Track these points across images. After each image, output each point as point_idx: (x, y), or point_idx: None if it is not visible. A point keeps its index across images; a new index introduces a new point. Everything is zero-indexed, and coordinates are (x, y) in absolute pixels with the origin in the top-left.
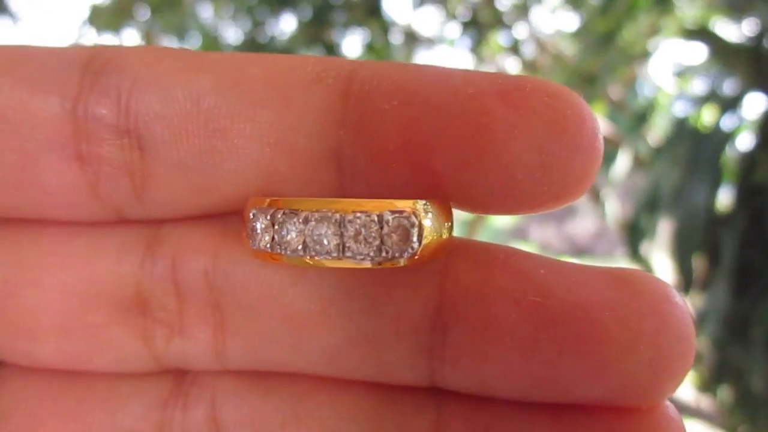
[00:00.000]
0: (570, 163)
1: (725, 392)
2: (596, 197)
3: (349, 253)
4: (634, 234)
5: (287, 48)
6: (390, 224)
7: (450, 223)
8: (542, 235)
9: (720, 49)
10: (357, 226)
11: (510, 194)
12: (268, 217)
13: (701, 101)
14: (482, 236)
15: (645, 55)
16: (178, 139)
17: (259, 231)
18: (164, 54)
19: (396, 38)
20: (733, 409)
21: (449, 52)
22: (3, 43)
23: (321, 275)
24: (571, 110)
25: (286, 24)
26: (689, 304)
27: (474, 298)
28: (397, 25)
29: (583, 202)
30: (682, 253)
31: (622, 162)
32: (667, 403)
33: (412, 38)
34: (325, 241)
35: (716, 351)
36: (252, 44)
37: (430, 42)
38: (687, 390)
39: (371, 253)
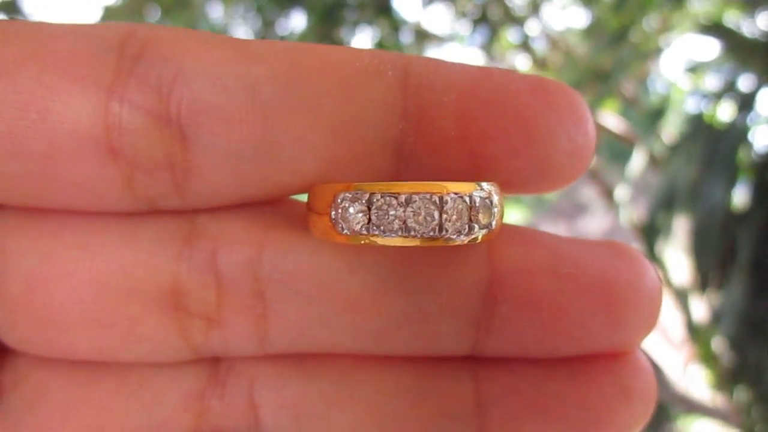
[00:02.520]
0: (585, 146)
1: (742, 391)
2: (609, 195)
3: (444, 232)
4: (650, 233)
5: None
6: (477, 204)
7: (503, 204)
8: (553, 232)
9: (734, 44)
10: (453, 206)
11: (548, 175)
12: (364, 201)
13: (716, 97)
14: None
15: (658, 51)
16: (231, 129)
17: (351, 215)
18: (208, 41)
19: (406, 36)
20: (749, 408)
21: (460, 49)
22: (26, 21)
23: (378, 258)
24: (581, 104)
25: (296, 22)
26: (706, 303)
27: (520, 272)
28: (408, 23)
29: (595, 199)
30: (698, 251)
31: (637, 160)
32: (638, 348)
33: (422, 36)
34: (428, 221)
35: (733, 350)
36: None
37: (440, 40)
38: (703, 389)
39: (464, 231)
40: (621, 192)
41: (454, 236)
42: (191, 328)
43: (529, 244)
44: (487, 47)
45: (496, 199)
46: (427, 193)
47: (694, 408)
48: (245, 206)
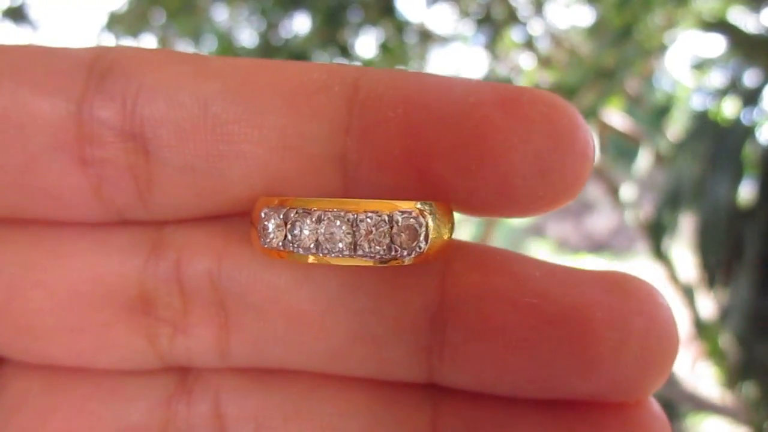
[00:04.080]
0: (564, 168)
1: (750, 388)
2: (615, 193)
3: (360, 252)
4: (656, 230)
5: (302, 49)
6: (399, 224)
7: (451, 225)
8: (560, 232)
9: (739, 41)
10: (368, 226)
11: (509, 198)
12: (281, 216)
13: (721, 94)
14: (498, 234)
15: (662, 48)
16: (185, 143)
17: (271, 229)
18: (170, 58)
19: (410, 37)
20: (758, 405)
21: (463, 49)
22: (4, 43)
23: (325, 276)
24: (566, 119)
25: (301, 25)
26: (712, 300)
27: (472, 299)
28: (411, 24)
29: (601, 198)
30: (704, 248)
31: (643, 157)
32: (651, 398)
33: (426, 37)
34: (339, 240)
35: (741, 347)
36: (267, 46)
37: (444, 40)
38: (711, 386)
39: (382, 252)
40: (627, 190)
41: (371, 256)
42: (158, 335)
43: (490, 269)
44: (491, 47)
45: (426, 220)
46: (342, 210)
47: (702, 406)
48: (210, 218)
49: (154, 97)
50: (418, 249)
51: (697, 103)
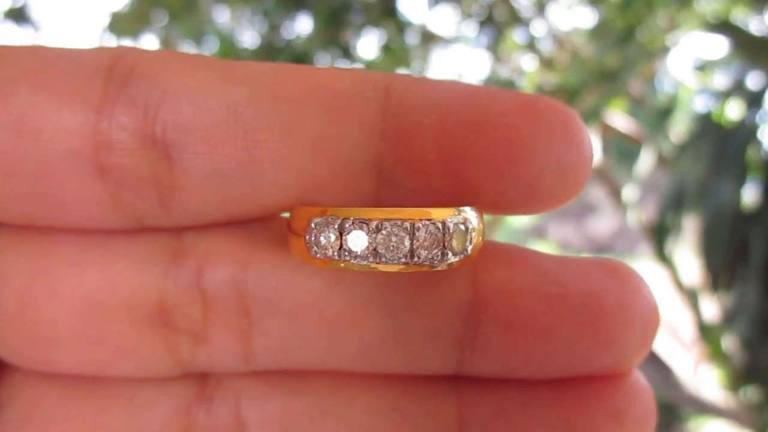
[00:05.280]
0: (577, 167)
1: (753, 392)
2: (617, 195)
3: (416, 259)
4: (659, 232)
5: (304, 50)
6: (451, 230)
7: (483, 227)
8: (561, 234)
9: (743, 42)
10: (425, 233)
11: (534, 197)
12: (336, 227)
13: (724, 96)
14: (501, 236)
15: (665, 50)
16: (214, 149)
17: (324, 240)
18: (193, 63)
19: (412, 38)
20: (761, 408)
21: (466, 51)
22: (18, 44)
23: (359, 279)
24: (575, 124)
25: (302, 26)
26: (715, 303)
27: (502, 293)
28: (413, 25)
29: (603, 199)
30: (708, 250)
31: (645, 159)
32: (636, 367)
33: (428, 38)
34: (398, 248)
35: (745, 350)
36: (269, 48)
37: (446, 41)
38: (714, 389)
39: (437, 258)
40: (629, 192)
41: (426, 263)
42: (178, 345)
43: (514, 265)
44: (493, 48)
45: (472, 224)
46: (399, 219)
47: (705, 409)
48: (232, 224)
49: (179, 103)
50: (465, 253)
51: (701, 104)
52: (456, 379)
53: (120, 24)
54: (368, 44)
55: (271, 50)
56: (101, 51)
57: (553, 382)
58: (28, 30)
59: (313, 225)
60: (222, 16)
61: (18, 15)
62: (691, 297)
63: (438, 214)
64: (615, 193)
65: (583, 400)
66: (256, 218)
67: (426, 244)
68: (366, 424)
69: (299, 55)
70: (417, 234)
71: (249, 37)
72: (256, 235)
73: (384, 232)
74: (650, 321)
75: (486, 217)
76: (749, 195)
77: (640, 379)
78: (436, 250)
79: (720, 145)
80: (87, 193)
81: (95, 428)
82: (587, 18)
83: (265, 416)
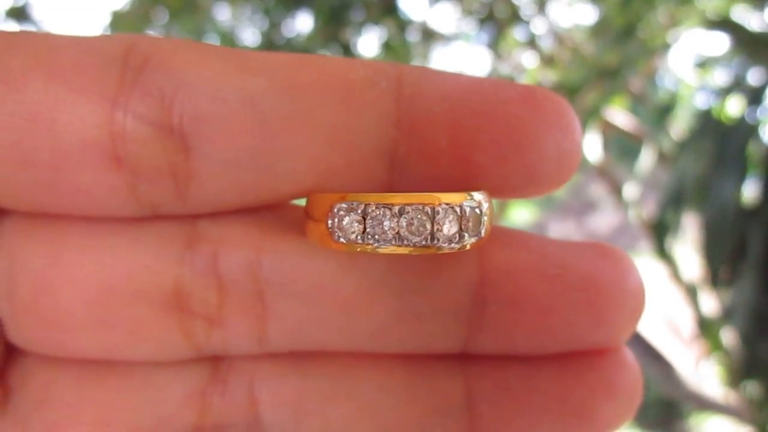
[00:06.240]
0: (571, 154)
1: (754, 387)
2: (618, 192)
3: (435, 241)
4: (659, 229)
5: (304, 48)
6: (467, 213)
7: (492, 211)
8: (562, 230)
9: (743, 39)
10: (444, 216)
11: (535, 181)
12: (359, 212)
13: (724, 92)
14: None
15: (665, 47)
16: (230, 138)
17: (347, 224)
18: (208, 52)
19: (413, 36)
20: (761, 404)
21: (466, 48)
22: (31, 30)
23: (371, 261)
24: (568, 112)
25: (303, 24)
26: (715, 299)
27: (508, 273)
28: (414, 23)
29: (604, 196)
30: (708, 247)
31: (646, 156)
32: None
33: (428, 35)
34: (420, 231)
35: (744, 346)
36: (269, 46)
37: (446, 39)
38: (715, 385)
39: (456, 240)
40: (630, 189)
41: (446, 245)
42: (193, 329)
43: (518, 247)
44: (494, 45)
45: (485, 207)
46: (420, 204)
47: (706, 405)
48: (245, 211)
49: (194, 93)
50: (480, 234)
51: (701, 101)
52: (463, 357)
53: (122, 22)
54: (369, 42)
55: (272, 48)
56: (114, 39)
57: (553, 357)
58: (30, 28)
59: (335, 210)
60: (222, 14)
61: (19, 14)
62: (691, 293)
63: (453, 198)
64: (616, 189)
65: (581, 373)
66: (269, 205)
67: (445, 227)
68: (377, 403)
69: (302, 52)
70: (437, 218)
71: (249, 35)
72: (270, 221)
73: (407, 215)
74: (639, 300)
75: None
76: (749, 191)
77: (627, 353)
78: (454, 233)
79: (720, 142)
80: (102, 183)
81: (108, 411)
82: (588, 15)
83: (277, 398)
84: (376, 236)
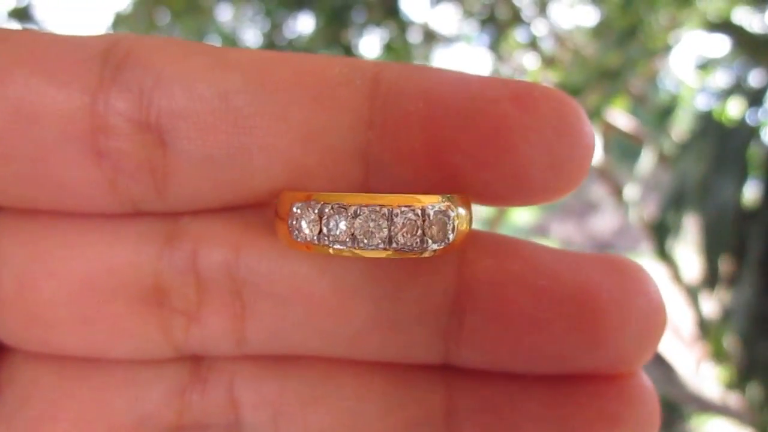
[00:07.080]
0: (572, 160)
1: (755, 389)
2: (619, 193)
3: (394, 245)
4: (660, 231)
5: (306, 49)
6: (431, 218)
7: (470, 217)
8: (563, 232)
9: (744, 41)
10: (403, 220)
11: (523, 188)
12: (315, 211)
13: (725, 94)
14: (503, 232)
15: (666, 48)
16: (206, 135)
17: (304, 224)
18: (187, 49)
19: (414, 37)
20: (762, 406)
21: (467, 49)
22: (14, 28)
23: (346, 265)
24: (573, 114)
25: (304, 25)
26: (716, 301)
27: (489, 283)
28: (415, 24)
29: (605, 198)
30: (709, 249)
31: (647, 158)
32: (641, 370)
33: (430, 37)
34: (376, 234)
35: (745, 348)
36: (271, 47)
37: (448, 40)
38: (716, 387)
39: (415, 244)
40: (631, 190)
41: (406, 250)
42: (172, 326)
43: (503, 255)
44: (495, 47)
45: (455, 212)
46: (378, 205)
47: (706, 407)
48: (228, 209)
49: (172, 89)
50: (446, 241)
51: (702, 103)
52: (445, 369)
53: (124, 24)
54: (370, 43)
55: (274, 49)
56: (98, 37)
57: (546, 378)
58: (32, 29)
59: (294, 209)
60: (224, 15)
61: (22, 14)
62: (692, 294)
63: (421, 201)
64: (616, 191)
65: (577, 399)
66: (249, 204)
67: (404, 230)
68: (355, 411)
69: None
70: (395, 220)
71: (251, 36)
72: (249, 220)
73: (362, 217)
74: (652, 320)
75: (488, 212)
76: (750, 193)
77: (643, 381)
78: (415, 237)
79: (721, 144)
80: (84, 177)
81: (90, 409)
82: (589, 17)
83: (257, 399)
84: (331, 237)
